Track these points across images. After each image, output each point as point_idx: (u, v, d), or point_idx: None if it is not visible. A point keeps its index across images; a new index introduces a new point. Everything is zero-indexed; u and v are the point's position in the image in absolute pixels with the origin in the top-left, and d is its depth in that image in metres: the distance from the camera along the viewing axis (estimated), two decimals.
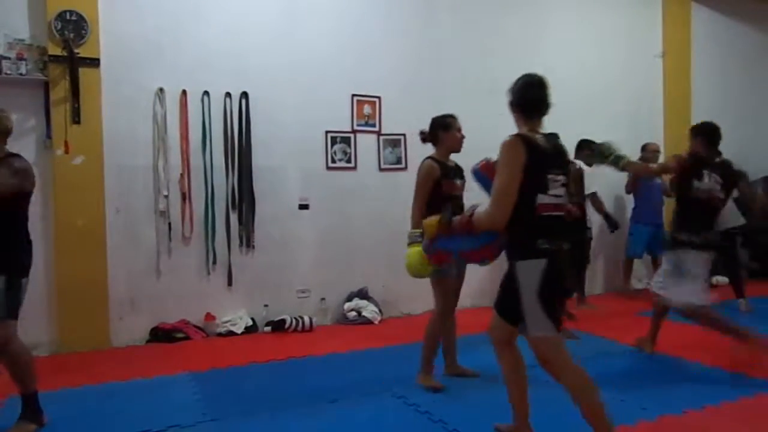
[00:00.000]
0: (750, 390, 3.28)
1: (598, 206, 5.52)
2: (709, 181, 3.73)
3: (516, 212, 2.33)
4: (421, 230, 2.90)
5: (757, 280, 6.62)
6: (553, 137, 2.51)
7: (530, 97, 2.51)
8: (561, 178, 2.45)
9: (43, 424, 2.96)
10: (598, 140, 5.60)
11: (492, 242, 2.47)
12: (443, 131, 3.50)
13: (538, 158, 2.36)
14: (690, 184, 3.75)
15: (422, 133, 3.56)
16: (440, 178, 3.40)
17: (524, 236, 2.37)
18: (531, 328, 2.42)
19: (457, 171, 3.55)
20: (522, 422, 2.66)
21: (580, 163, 5.22)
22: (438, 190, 3.38)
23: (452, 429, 2.85)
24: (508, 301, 2.48)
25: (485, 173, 2.62)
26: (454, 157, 3.57)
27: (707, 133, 3.88)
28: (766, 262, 7.01)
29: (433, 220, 2.63)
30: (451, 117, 3.53)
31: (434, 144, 3.54)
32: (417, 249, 3.04)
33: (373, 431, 2.88)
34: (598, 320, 5.18)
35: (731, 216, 5.57)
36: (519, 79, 2.55)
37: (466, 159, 3.32)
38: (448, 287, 3.47)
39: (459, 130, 3.52)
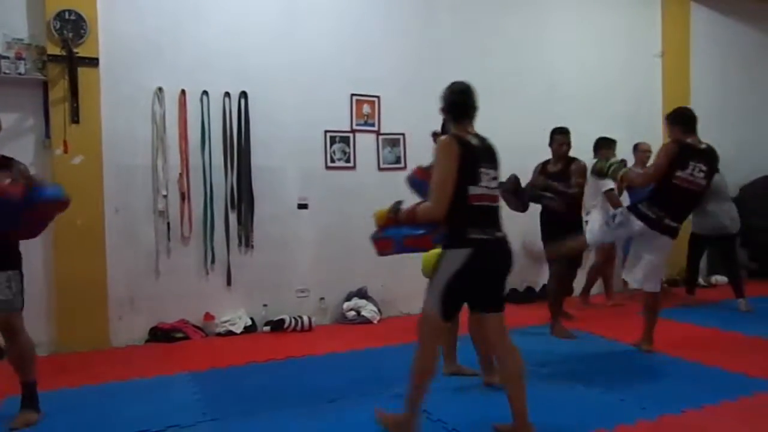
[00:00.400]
0: (749, 389, 3.28)
1: (615, 202, 5.40)
2: (692, 171, 3.82)
3: (451, 204, 2.53)
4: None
5: (756, 280, 6.62)
6: (481, 137, 2.71)
7: (457, 102, 2.71)
8: (492, 172, 2.65)
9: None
10: (594, 137, 5.67)
11: (431, 232, 2.64)
12: None
13: (469, 154, 2.57)
14: (673, 171, 3.83)
15: (435, 134, 3.47)
16: None
17: (457, 225, 2.56)
18: (425, 300, 2.64)
19: None
20: (520, 421, 2.65)
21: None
22: None
23: (451, 428, 2.85)
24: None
25: (420, 177, 2.82)
26: None
27: (683, 122, 3.96)
28: (765, 262, 7.01)
29: (383, 210, 2.78)
30: None
31: None
32: (434, 252, 3.06)
33: (372, 431, 2.87)
34: (597, 320, 5.18)
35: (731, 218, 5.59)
36: (447, 87, 2.75)
37: None
38: None
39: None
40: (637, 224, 3.89)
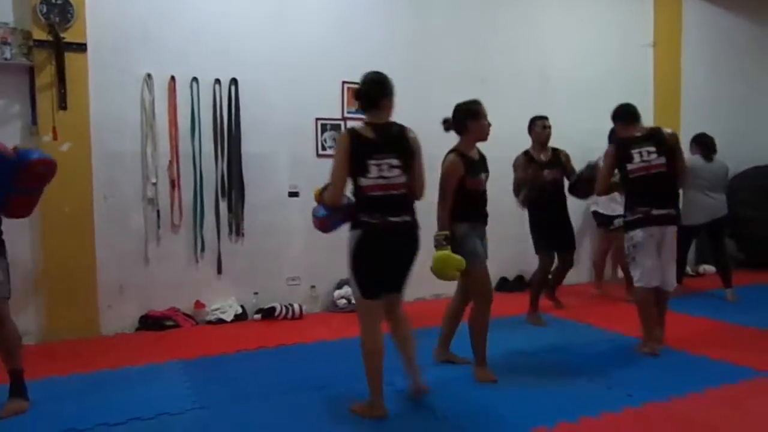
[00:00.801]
0: (735, 377, 3.33)
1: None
2: (642, 157, 3.74)
3: (354, 192, 2.81)
4: (447, 233, 3.16)
5: (743, 270, 6.69)
6: (390, 127, 2.85)
7: (364, 92, 2.91)
8: (392, 161, 2.77)
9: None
10: (586, 129, 5.69)
11: (329, 217, 2.90)
12: (472, 120, 3.30)
13: (359, 148, 2.77)
14: (624, 169, 3.81)
15: (446, 121, 3.37)
16: (465, 175, 3.25)
17: (356, 210, 2.81)
18: (351, 290, 2.94)
19: (481, 163, 3.41)
20: (415, 381, 2.95)
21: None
22: (462, 187, 3.25)
23: (440, 415, 2.87)
24: None
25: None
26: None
27: (621, 116, 3.91)
28: (752, 252, 7.08)
29: (319, 188, 2.97)
30: (478, 104, 3.35)
31: (459, 133, 3.36)
32: (442, 253, 3.12)
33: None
34: (585, 309, 5.23)
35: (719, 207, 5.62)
36: (362, 75, 2.93)
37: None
38: (479, 274, 3.32)
39: (486, 117, 3.35)
40: (638, 235, 3.79)
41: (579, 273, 6.43)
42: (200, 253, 4.93)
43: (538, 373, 3.53)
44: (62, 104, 4.34)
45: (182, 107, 4.83)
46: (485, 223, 3.46)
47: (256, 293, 5.09)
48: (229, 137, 4.99)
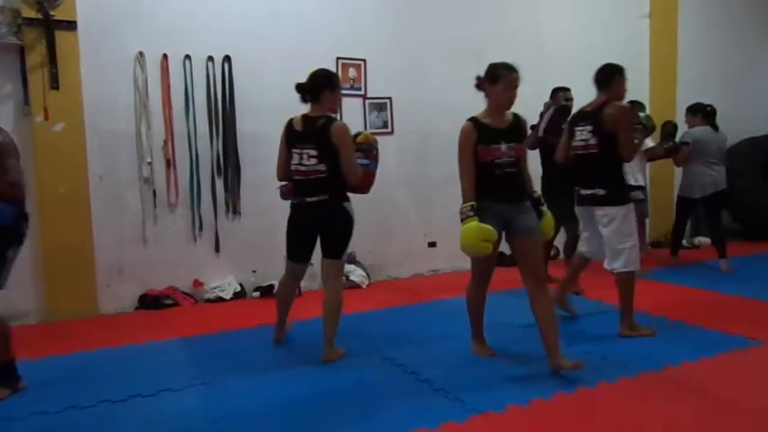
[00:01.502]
0: (728, 346, 3.37)
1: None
2: (581, 136, 3.65)
3: None
4: (472, 203, 2.98)
5: (739, 241, 6.73)
6: (316, 121, 3.23)
7: (304, 85, 3.29)
8: (310, 152, 3.21)
9: (17, 390, 2.97)
10: (582, 100, 5.66)
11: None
12: (490, 84, 3.08)
13: (290, 136, 3.31)
14: (570, 143, 3.77)
15: (478, 78, 3.15)
16: (477, 143, 3.03)
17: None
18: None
19: (506, 132, 3.09)
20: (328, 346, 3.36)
21: None
22: (475, 158, 3.04)
23: (438, 388, 2.90)
24: None
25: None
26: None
27: (594, 81, 3.76)
28: (748, 223, 7.11)
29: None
30: (505, 68, 3.08)
31: (485, 95, 3.15)
32: (472, 224, 2.92)
33: (360, 391, 2.92)
34: (580, 281, 5.25)
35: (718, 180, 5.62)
36: None
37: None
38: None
39: (510, 85, 3.06)
40: (576, 209, 3.81)
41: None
42: (198, 232, 4.94)
43: (535, 345, 3.54)
44: (54, 84, 4.30)
45: (176, 85, 4.79)
46: (511, 200, 3.12)
47: (254, 271, 5.11)
48: (224, 115, 4.96)
